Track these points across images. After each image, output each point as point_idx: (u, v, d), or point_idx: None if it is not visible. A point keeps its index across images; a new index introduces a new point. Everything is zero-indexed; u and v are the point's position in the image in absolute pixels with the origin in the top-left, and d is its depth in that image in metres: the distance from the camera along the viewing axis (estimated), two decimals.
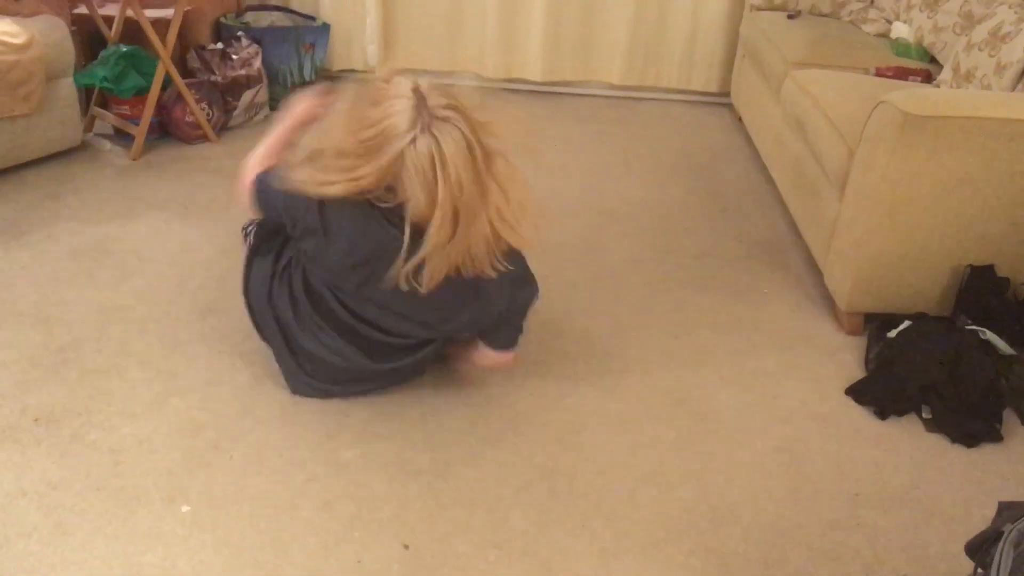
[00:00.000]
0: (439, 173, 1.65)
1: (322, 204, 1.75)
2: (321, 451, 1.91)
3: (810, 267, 2.80)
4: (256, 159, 1.99)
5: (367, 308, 1.90)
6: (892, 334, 2.29)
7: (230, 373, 2.12)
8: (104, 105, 3.45)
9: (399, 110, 1.66)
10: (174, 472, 1.82)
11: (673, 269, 2.77)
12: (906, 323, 2.31)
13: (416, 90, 1.68)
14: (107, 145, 3.42)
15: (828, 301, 2.59)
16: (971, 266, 2.31)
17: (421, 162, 1.65)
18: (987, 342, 2.20)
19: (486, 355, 2.09)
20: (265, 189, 1.89)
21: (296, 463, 1.87)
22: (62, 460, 1.84)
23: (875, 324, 2.40)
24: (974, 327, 2.24)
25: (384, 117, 1.66)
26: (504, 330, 2.03)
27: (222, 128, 3.60)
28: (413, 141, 1.64)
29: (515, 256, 1.90)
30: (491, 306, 1.93)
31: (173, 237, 2.75)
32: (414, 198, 1.68)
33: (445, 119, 1.66)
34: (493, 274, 1.83)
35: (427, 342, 2.00)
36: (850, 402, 2.18)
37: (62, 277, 2.50)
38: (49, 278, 2.48)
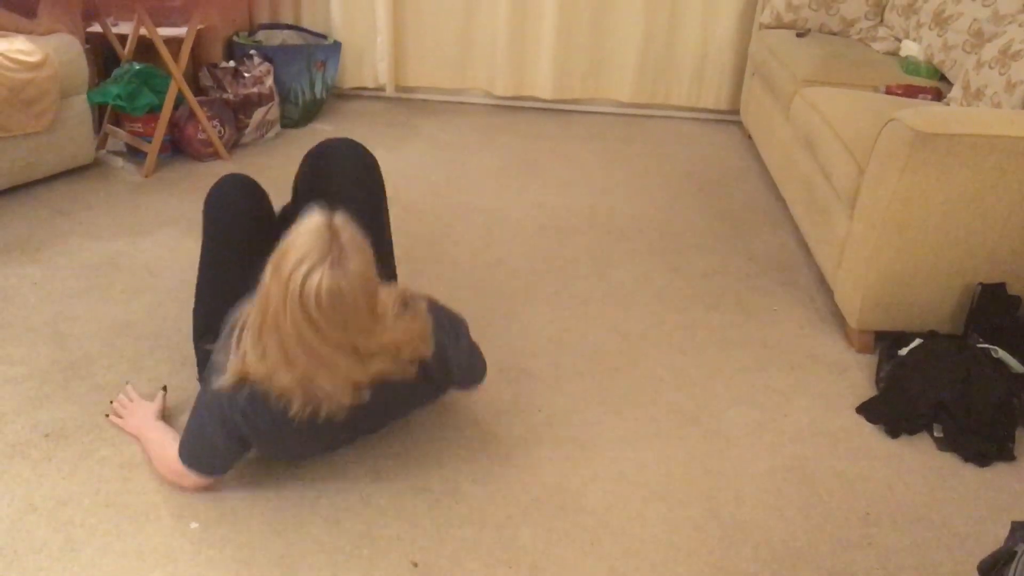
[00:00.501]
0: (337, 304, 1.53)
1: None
2: (330, 468, 1.91)
3: (820, 285, 2.80)
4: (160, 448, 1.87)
5: (338, 434, 1.84)
6: (903, 352, 2.28)
7: None
8: (117, 123, 3.48)
9: (310, 240, 1.54)
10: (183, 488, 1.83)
11: (683, 286, 2.76)
12: (917, 341, 2.30)
13: (329, 224, 1.56)
14: (119, 162, 3.45)
15: (838, 319, 2.58)
16: (982, 284, 2.30)
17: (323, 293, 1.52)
18: (999, 361, 2.19)
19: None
20: (194, 442, 1.77)
21: (305, 480, 1.87)
22: (72, 476, 1.84)
23: (886, 342, 2.39)
24: (986, 345, 2.23)
25: (292, 242, 1.55)
26: (466, 373, 1.95)
27: (234, 145, 3.62)
28: (322, 277, 1.51)
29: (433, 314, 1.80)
30: (445, 365, 1.84)
31: (184, 253, 2.76)
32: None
33: (352, 255, 1.55)
34: (429, 352, 1.75)
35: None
36: (861, 420, 2.17)
37: (73, 293, 2.51)
38: (61, 294, 2.50)
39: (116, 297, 2.50)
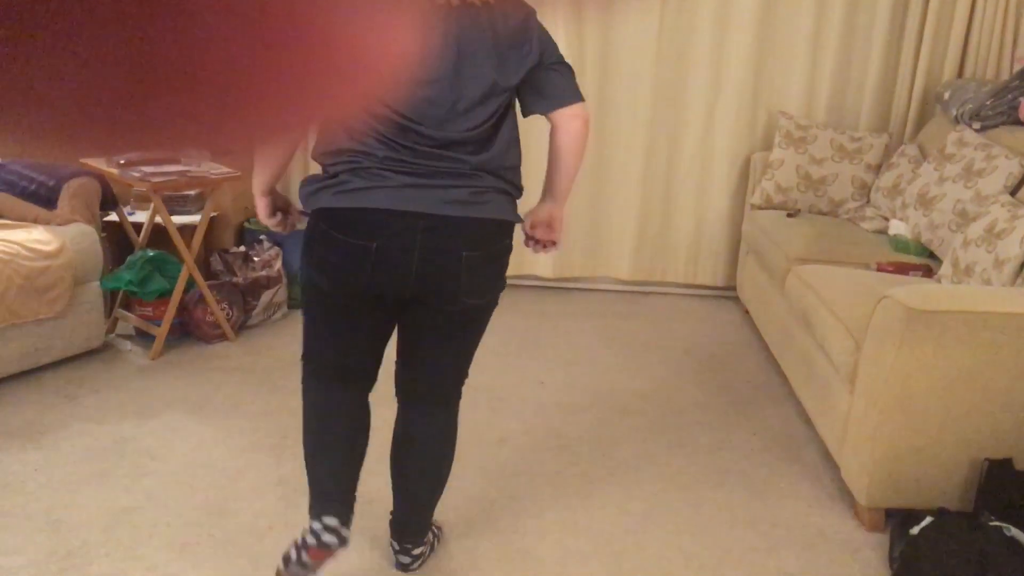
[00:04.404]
0: None
1: None
2: None
3: (826, 461, 2.77)
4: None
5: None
6: (914, 531, 2.24)
7: None
8: (127, 306, 3.55)
9: None
10: None
11: (687, 464, 2.74)
12: (928, 519, 2.26)
13: None
14: (127, 345, 3.50)
15: (847, 495, 2.54)
16: (988, 460, 2.29)
17: None
18: (1012, 539, 2.15)
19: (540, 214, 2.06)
20: None
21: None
22: None
23: (896, 519, 2.35)
24: (998, 523, 2.18)
25: None
26: (558, 78, 1.91)
27: (241, 327, 3.68)
28: None
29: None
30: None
31: (187, 436, 2.76)
32: None
33: None
34: None
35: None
36: None
37: (74, 479, 2.49)
38: (61, 480, 2.48)
39: (117, 482, 2.48)
